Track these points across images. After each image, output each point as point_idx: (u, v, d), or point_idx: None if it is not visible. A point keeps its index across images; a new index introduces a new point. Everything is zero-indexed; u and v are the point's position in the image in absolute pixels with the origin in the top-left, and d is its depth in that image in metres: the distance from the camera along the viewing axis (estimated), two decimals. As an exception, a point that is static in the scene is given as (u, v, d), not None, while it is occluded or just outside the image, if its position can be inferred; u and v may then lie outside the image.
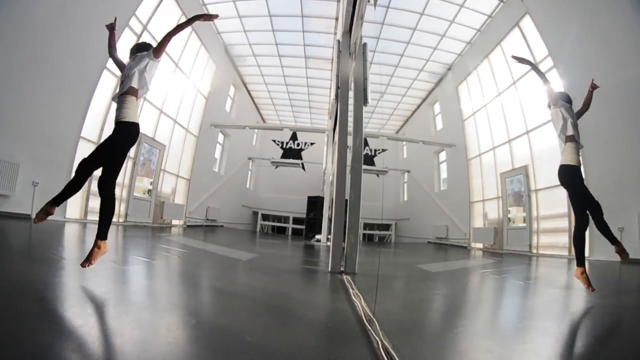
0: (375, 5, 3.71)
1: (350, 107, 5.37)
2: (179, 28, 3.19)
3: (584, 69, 7.02)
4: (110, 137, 2.92)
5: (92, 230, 6.53)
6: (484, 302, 3.71)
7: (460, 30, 10.80)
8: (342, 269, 4.64)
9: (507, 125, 10.22)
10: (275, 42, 13.13)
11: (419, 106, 16.67)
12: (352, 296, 3.08)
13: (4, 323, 1.56)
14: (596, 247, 6.23)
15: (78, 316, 1.85)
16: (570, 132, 3.67)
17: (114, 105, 6.81)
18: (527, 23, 8.57)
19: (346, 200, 4.98)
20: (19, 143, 6.47)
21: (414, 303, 3.36)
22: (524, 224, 8.89)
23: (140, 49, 3.18)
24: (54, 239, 5.20)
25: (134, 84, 3.00)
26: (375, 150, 17.91)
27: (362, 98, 5.17)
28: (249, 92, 17.81)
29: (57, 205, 2.89)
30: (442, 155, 15.05)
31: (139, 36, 9.08)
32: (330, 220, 13.02)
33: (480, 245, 11.13)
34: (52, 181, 6.98)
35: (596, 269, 4.68)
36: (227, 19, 12.00)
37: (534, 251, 7.40)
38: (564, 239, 5.81)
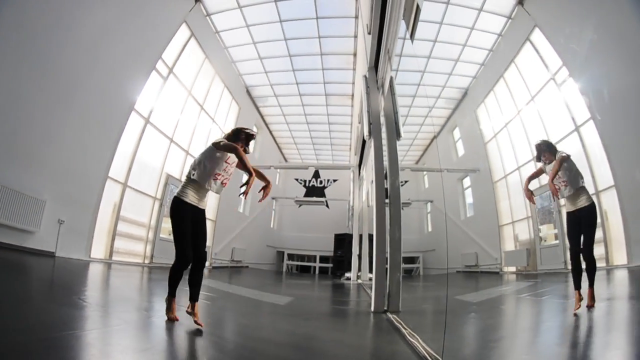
0: (411, 30, 3.78)
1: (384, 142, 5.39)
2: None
3: (599, 74, 7.02)
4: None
5: (117, 272, 6.71)
6: (540, 328, 3.50)
7: (473, 53, 10.93)
8: (385, 307, 4.48)
9: (530, 142, 10.10)
10: (295, 82, 13.51)
11: (438, 134, 16.52)
12: (407, 336, 2.97)
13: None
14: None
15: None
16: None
17: (142, 145, 8.79)
18: (537, 36, 8.71)
19: (370, 235, 4.89)
20: (46, 181, 6.45)
21: (471, 337, 3.24)
22: (557, 241, 8.57)
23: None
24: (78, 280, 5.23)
25: None
26: (398, 183, 17.79)
27: (394, 132, 5.22)
28: (270, 132, 18.19)
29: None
30: (466, 182, 14.82)
31: (166, 78, 9.56)
32: (359, 257, 12.87)
33: (513, 269, 10.71)
34: (78, 219, 7.19)
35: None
36: (248, 60, 12.56)
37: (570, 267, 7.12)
38: (600, 250, 5.58)
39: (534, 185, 4.59)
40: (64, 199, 6.81)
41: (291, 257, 19.42)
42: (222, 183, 3.28)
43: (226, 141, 3.22)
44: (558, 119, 8.59)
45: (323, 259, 18.57)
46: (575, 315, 3.44)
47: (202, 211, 3.30)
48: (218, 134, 13.15)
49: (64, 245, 6.76)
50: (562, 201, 4.44)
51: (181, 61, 10.12)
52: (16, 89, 5.68)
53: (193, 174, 3.16)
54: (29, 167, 6.14)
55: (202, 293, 5.44)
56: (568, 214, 4.13)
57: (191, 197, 3.16)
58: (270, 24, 10.58)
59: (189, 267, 3.14)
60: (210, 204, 13.02)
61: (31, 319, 2.46)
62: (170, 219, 3.18)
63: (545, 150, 4.19)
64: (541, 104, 9.39)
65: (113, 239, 8.40)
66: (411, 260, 17.36)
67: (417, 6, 3.15)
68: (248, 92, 14.70)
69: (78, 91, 6.86)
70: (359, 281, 12.14)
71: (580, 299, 3.46)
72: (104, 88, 7.47)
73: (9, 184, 5.68)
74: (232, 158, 3.27)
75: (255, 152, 16.81)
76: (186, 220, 3.14)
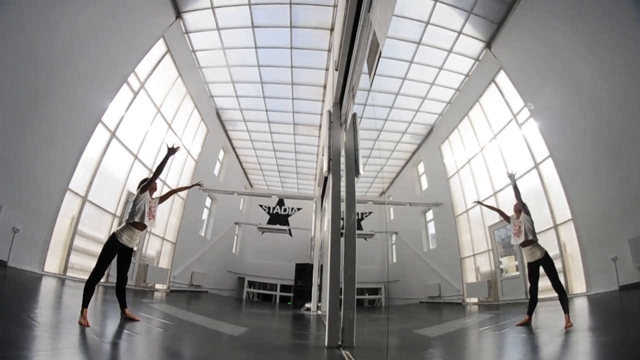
0: (372, 77, 3.93)
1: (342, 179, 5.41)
2: (159, 171, 4.62)
3: (558, 115, 7.55)
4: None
5: (70, 289, 6.51)
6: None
7: (440, 91, 11.49)
8: (339, 343, 4.37)
9: (492, 178, 10.57)
10: (265, 109, 13.62)
11: (403, 167, 17.16)
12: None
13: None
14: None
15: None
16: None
17: (106, 159, 8.64)
18: (502, 78, 9.28)
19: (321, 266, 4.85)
20: (4, 184, 6.05)
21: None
22: (517, 272, 8.90)
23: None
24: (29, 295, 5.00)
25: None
26: (362, 214, 18.04)
27: (353, 169, 5.21)
28: (237, 156, 18.06)
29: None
30: (429, 214, 15.23)
31: (136, 93, 9.37)
32: (320, 288, 12.71)
33: (475, 300, 10.93)
34: (34, 229, 6.79)
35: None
36: (221, 83, 12.59)
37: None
38: (560, 279, 5.83)
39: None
40: (20, 207, 6.40)
41: (252, 284, 18.81)
42: (151, 217, 4.51)
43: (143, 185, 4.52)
44: (519, 156, 9.12)
45: (284, 288, 18.15)
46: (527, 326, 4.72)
47: (130, 249, 4.39)
48: (183, 154, 12.99)
49: (17, 255, 6.30)
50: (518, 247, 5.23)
51: (154, 76, 9.97)
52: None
53: (135, 217, 4.29)
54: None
55: (157, 319, 5.73)
56: (528, 263, 5.04)
57: (125, 239, 4.24)
58: (246, 49, 10.70)
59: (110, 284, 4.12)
60: (170, 225, 12.69)
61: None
62: (103, 246, 4.21)
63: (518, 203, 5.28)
64: (503, 142, 9.95)
65: (69, 254, 7.94)
66: (374, 291, 17.41)
67: (380, 52, 3.33)
68: (218, 114, 14.61)
69: (47, 95, 6.57)
70: (319, 312, 11.99)
71: (527, 320, 4.84)
72: (74, 96, 7.19)
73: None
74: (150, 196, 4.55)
75: (220, 176, 16.65)
76: (113, 254, 4.21)
